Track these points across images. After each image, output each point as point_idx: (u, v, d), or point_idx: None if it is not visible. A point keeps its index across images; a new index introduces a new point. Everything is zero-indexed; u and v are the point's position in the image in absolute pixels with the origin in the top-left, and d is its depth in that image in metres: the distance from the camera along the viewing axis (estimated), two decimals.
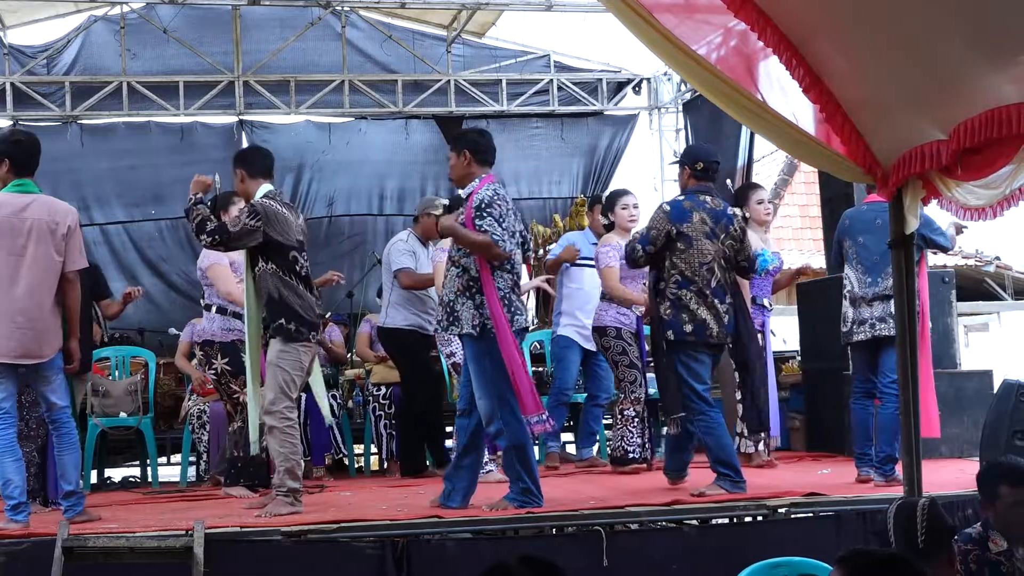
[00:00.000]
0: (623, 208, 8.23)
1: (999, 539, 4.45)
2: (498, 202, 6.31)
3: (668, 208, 6.88)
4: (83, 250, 6.46)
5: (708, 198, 6.88)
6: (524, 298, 8.48)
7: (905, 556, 3.15)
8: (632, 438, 8.14)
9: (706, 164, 6.98)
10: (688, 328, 6.68)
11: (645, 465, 8.13)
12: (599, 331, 8.18)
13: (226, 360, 7.60)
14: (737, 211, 7.09)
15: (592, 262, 8.43)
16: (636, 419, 8.11)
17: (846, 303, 7.21)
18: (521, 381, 6.21)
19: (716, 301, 6.71)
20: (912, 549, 4.14)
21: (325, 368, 8.93)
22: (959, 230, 7.27)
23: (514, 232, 6.40)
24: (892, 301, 6.80)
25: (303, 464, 6.61)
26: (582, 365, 8.85)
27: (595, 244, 8.61)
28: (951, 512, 5.90)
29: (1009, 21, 3.54)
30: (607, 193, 9.16)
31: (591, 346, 8.50)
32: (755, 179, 12.05)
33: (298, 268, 6.56)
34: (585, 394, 9.03)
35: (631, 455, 8.12)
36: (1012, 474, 4.54)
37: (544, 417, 6.34)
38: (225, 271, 7.63)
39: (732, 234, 6.83)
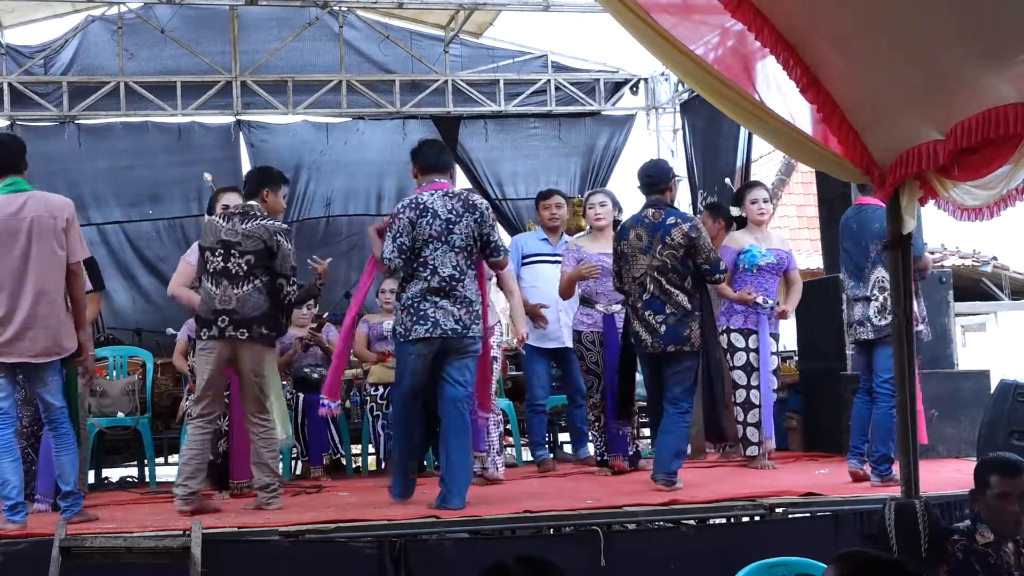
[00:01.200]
0: (590, 208, 8.34)
1: (986, 532, 4.51)
2: (399, 216, 6.61)
3: (618, 229, 7.42)
4: (83, 240, 6.50)
5: (651, 211, 7.14)
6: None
7: (901, 561, 3.16)
8: (598, 441, 8.20)
9: (641, 182, 7.34)
10: (632, 340, 7.17)
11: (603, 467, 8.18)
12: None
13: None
14: (684, 222, 7.06)
15: (543, 258, 8.70)
16: (596, 423, 8.14)
17: (845, 305, 7.34)
18: (333, 369, 7.19)
19: (648, 314, 6.98)
20: (915, 553, 4.17)
21: (323, 369, 8.90)
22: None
23: (420, 239, 6.57)
24: (870, 304, 6.91)
25: (195, 466, 6.64)
26: (559, 364, 8.85)
27: (544, 240, 8.84)
28: (948, 512, 5.91)
29: (1007, 21, 3.55)
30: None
31: (557, 344, 8.48)
32: (752, 179, 12.05)
33: (208, 266, 6.75)
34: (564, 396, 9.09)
35: (600, 457, 8.18)
36: (1003, 465, 4.58)
37: (326, 403, 7.12)
38: (182, 267, 7.79)
39: (670, 243, 6.96)
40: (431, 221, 6.53)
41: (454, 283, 6.53)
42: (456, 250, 6.54)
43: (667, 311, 6.93)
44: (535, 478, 8.21)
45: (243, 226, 6.76)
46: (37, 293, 6.18)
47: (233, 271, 6.69)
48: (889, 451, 6.82)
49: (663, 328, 6.92)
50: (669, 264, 6.93)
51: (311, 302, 9.10)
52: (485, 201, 6.74)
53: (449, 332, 6.49)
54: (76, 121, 12.62)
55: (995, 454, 4.96)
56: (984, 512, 4.55)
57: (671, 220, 7.01)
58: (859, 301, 7.09)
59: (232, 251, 6.70)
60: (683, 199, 13.65)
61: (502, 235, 7.45)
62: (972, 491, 4.65)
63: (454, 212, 6.56)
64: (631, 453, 7.98)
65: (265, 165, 7.71)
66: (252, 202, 6.90)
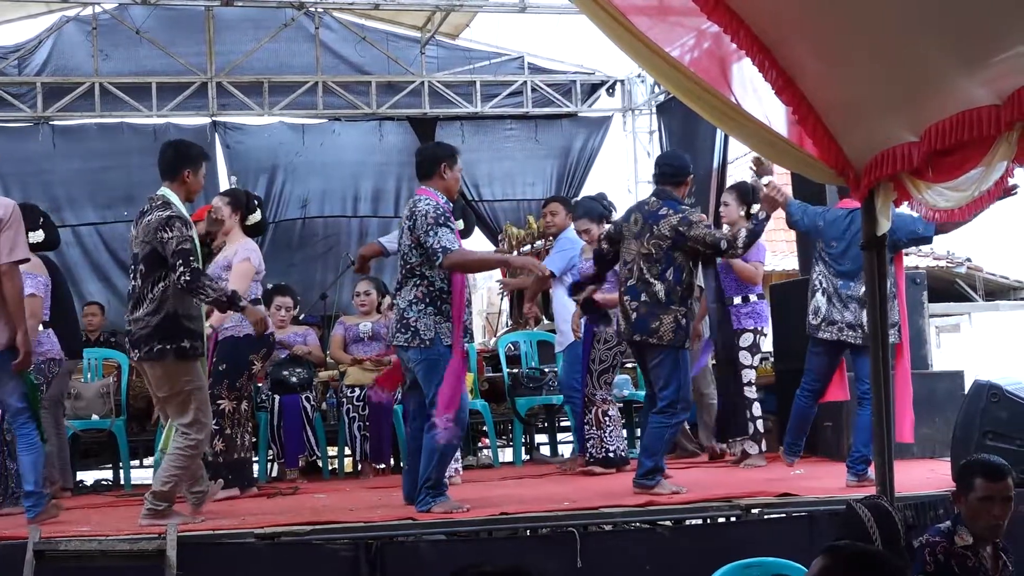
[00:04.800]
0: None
1: (965, 535, 4.51)
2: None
3: (625, 212, 7.37)
4: (22, 243, 6.26)
5: (653, 199, 7.09)
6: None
7: (887, 554, 3.17)
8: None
9: (658, 169, 7.26)
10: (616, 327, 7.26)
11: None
12: None
13: None
14: (675, 215, 6.90)
15: None
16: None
17: (820, 297, 7.25)
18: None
19: (627, 299, 6.95)
20: (895, 550, 4.19)
21: (301, 371, 8.86)
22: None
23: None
24: (864, 309, 6.91)
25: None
26: None
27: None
28: (922, 512, 5.94)
29: (981, 23, 3.57)
30: None
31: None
32: (729, 181, 12.07)
33: None
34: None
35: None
36: (988, 468, 4.58)
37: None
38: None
39: (656, 233, 6.87)
40: (400, 235, 6.60)
41: (395, 292, 6.58)
42: (400, 259, 6.52)
43: (641, 299, 6.87)
44: (512, 479, 8.20)
45: (137, 229, 6.38)
46: None
47: (132, 287, 6.34)
48: (868, 453, 6.85)
49: (634, 316, 6.89)
50: (654, 254, 6.84)
51: (290, 302, 9.06)
52: (430, 203, 6.36)
53: (391, 340, 6.66)
54: (50, 122, 12.59)
55: (979, 456, 4.95)
56: (966, 514, 4.55)
57: (664, 211, 6.92)
58: (850, 300, 7.10)
59: (133, 264, 6.37)
60: None
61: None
62: (954, 492, 4.65)
63: (405, 221, 6.49)
64: (602, 455, 7.94)
65: (181, 140, 7.31)
66: (160, 191, 6.44)
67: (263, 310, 6.44)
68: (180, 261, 6.08)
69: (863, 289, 6.96)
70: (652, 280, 6.86)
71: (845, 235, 7.18)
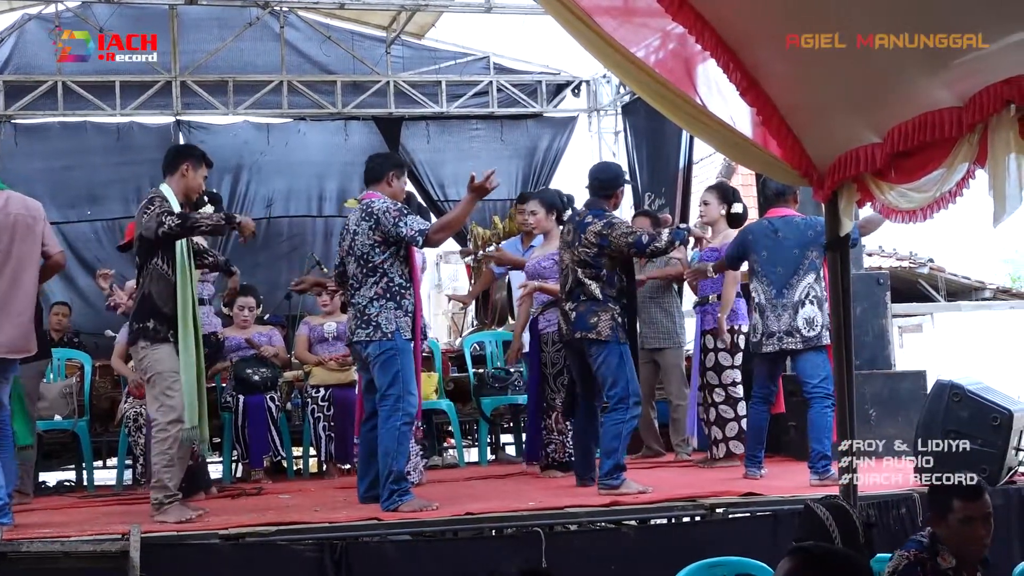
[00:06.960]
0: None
1: (948, 556, 4.32)
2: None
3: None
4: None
5: (583, 210, 7.26)
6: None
7: (852, 554, 3.19)
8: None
9: (588, 181, 7.36)
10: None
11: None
12: None
13: None
14: (598, 221, 6.99)
15: None
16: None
17: (755, 315, 7.37)
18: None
19: (567, 304, 7.09)
20: (855, 549, 4.20)
21: (265, 371, 8.82)
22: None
23: (343, 254, 6.84)
24: (798, 315, 7.07)
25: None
26: None
27: (518, 246, 8.81)
28: (885, 511, 5.99)
29: (944, 24, 3.60)
30: None
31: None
32: (695, 181, 12.12)
33: None
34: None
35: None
36: (965, 488, 4.40)
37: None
38: None
39: (585, 242, 6.99)
40: (345, 236, 6.77)
41: (353, 292, 6.69)
42: (355, 260, 6.63)
43: (580, 299, 6.99)
44: (477, 479, 8.20)
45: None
46: (15, 290, 6.20)
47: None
48: (825, 448, 6.92)
49: (574, 315, 7.00)
50: (586, 260, 6.97)
51: (253, 302, 9.02)
52: (386, 203, 6.55)
53: (350, 338, 6.74)
54: (12, 120, 12.47)
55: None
56: (947, 538, 4.34)
57: (589, 219, 7.05)
58: (784, 309, 7.16)
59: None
60: (626, 201, 13.73)
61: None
62: (931, 517, 4.44)
63: (356, 223, 6.64)
64: (565, 459, 7.89)
65: (187, 143, 7.36)
66: (160, 187, 6.48)
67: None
68: (165, 219, 6.17)
69: (796, 295, 7.08)
70: (588, 281, 6.97)
71: (772, 243, 7.27)
